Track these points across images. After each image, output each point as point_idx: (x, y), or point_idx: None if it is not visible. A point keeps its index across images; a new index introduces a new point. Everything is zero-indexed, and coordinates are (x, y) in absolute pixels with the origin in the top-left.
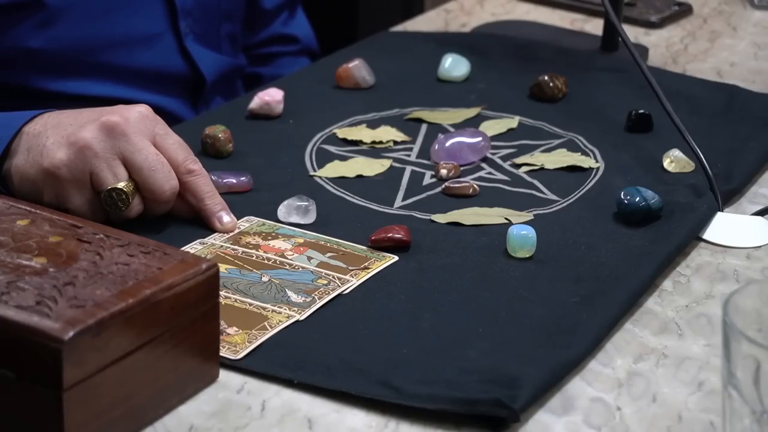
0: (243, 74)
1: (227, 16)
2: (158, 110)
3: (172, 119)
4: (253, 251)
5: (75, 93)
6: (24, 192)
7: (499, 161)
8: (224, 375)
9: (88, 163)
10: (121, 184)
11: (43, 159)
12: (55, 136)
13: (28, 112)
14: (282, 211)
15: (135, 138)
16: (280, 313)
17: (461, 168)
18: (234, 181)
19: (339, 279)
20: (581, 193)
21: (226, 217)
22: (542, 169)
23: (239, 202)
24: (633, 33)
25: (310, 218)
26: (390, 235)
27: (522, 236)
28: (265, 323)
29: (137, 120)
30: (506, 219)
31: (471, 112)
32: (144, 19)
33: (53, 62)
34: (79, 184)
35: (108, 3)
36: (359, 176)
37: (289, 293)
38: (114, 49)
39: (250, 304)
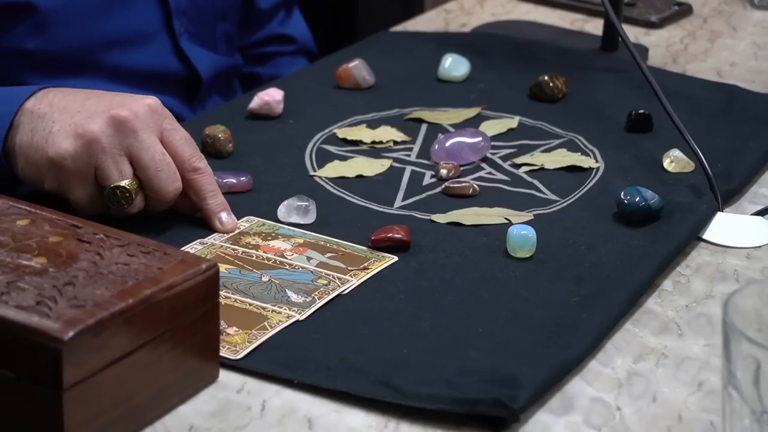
0: (240, 74)
1: (222, 16)
2: None
3: None
4: (253, 251)
5: None
6: (26, 174)
7: (499, 161)
8: (224, 375)
9: (94, 157)
10: (125, 182)
11: (48, 146)
12: (61, 122)
13: (27, 88)
14: (282, 211)
15: (143, 135)
16: (280, 313)
17: (461, 168)
18: (234, 181)
19: (339, 279)
20: (581, 193)
21: (227, 218)
22: (542, 169)
23: (239, 202)
24: (633, 33)
25: (310, 218)
26: (390, 235)
27: (522, 236)
28: (265, 323)
29: (146, 114)
30: (506, 219)
31: (471, 112)
32: (138, 20)
33: (49, 63)
34: (83, 177)
35: (101, 4)
36: (359, 176)
37: (289, 293)
38: (109, 49)
39: (250, 304)
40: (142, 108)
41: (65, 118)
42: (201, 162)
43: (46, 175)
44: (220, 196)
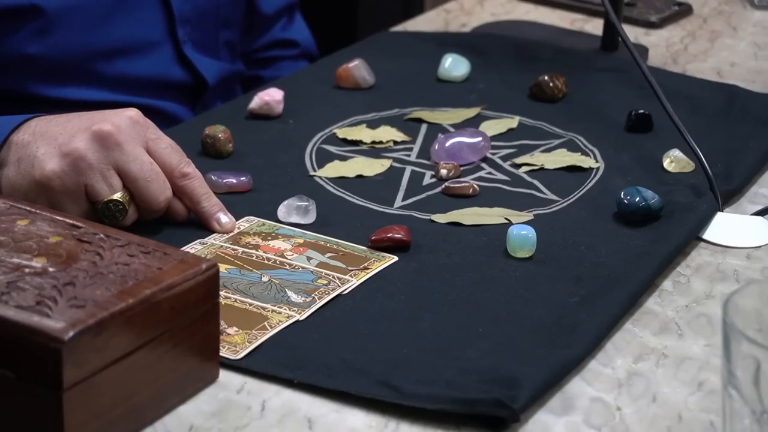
0: (243, 77)
1: (225, 24)
2: (158, 112)
3: (172, 122)
4: (252, 251)
5: (73, 99)
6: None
7: (499, 161)
8: (224, 375)
9: (83, 175)
10: (117, 195)
11: (34, 170)
12: (45, 146)
13: (14, 118)
14: (282, 211)
15: (128, 147)
16: (280, 313)
17: (461, 168)
18: (234, 181)
19: (339, 279)
20: (581, 193)
21: (224, 218)
22: (542, 169)
23: (239, 202)
24: (633, 33)
25: (310, 218)
26: (390, 235)
27: (522, 236)
28: (265, 323)
29: (129, 127)
30: (506, 219)
31: (471, 112)
32: (142, 27)
33: (51, 69)
34: (74, 196)
35: (106, 11)
36: (359, 176)
37: (289, 293)
38: (112, 56)
39: (250, 304)
40: (124, 120)
41: (48, 141)
42: (189, 167)
43: (36, 199)
44: (214, 197)
